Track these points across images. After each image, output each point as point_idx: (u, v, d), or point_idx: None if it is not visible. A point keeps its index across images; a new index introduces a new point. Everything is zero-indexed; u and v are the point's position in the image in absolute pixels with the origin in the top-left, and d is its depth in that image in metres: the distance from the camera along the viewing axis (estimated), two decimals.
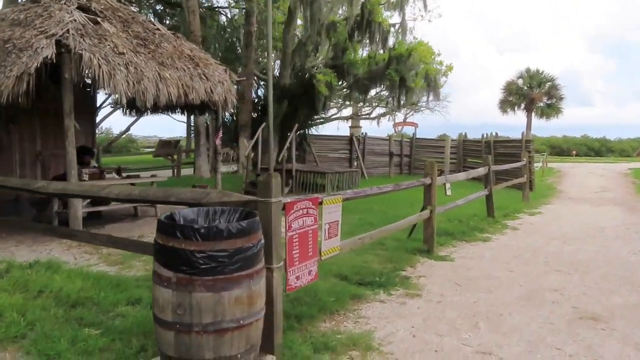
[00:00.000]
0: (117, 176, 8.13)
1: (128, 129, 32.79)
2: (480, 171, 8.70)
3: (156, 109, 10.04)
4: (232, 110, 8.64)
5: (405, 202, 10.23)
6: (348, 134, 19.87)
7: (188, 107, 9.50)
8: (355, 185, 13.62)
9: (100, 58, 6.08)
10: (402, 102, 16.83)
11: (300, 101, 16.00)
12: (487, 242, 7.25)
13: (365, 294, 4.59)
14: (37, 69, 5.78)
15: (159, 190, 3.71)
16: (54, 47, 5.91)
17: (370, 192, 4.51)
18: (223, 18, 23.70)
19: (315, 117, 18.51)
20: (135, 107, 10.33)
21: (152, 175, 8.67)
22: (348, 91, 16.95)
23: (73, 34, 6.12)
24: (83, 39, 6.17)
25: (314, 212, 3.68)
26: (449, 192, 6.72)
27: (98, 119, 29.44)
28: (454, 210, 8.63)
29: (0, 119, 8.39)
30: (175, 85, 7.07)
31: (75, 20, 6.42)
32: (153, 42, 7.44)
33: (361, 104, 35.84)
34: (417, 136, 23.54)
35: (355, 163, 19.66)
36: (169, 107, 9.51)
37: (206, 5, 22.14)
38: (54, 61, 5.89)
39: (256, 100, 19.12)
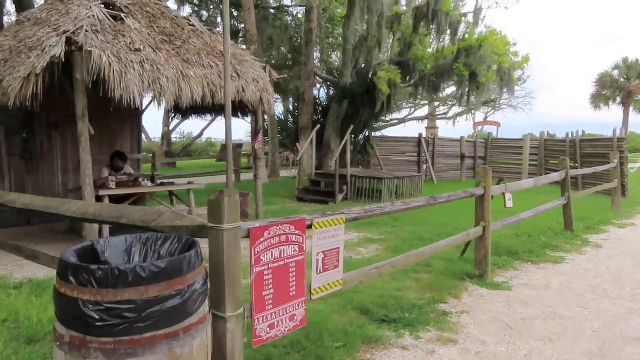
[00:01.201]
0: (150, 183, 7.74)
1: (201, 133, 33.73)
2: (554, 177, 7.29)
3: (199, 110, 9.66)
4: (267, 111, 7.92)
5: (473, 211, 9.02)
6: (417, 135, 18.51)
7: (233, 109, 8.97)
8: (418, 192, 12.47)
9: (111, 55, 5.62)
10: (472, 99, 15.30)
11: (362, 101, 15.10)
12: (558, 265, 5.94)
13: (384, 337, 3.64)
14: (44, 69, 5.41)
15: (114, 209, 3.04)
16: (64, 45, 5.51)
17: (389, 210, 3.55)
18: (290, 18, 23.35)
19: (382, 118, 17.45)
20: (181, 109, 10.08)
21: (189, 182, 8.20)
22: (414, 89, 15.72)
23: (86, 31, 5.70)
24: (96, 36, 5.75)
25: (300, 239, 2.82)
26: (509, 204, 5.52)
27: (173, 124, 30.57)
28: (525, 222, 7.36)
29: (41, 124, 8.33)
30: (200, 84, 6.49)
31: (93, 16, 6.02)
32: (180, 38, 6.93)
33: (437, 103, 34.27)
34: (500, 136, 21.68)
35: (425, 166, 18.40)
36: (207, 109, 9.06)
37: (273, 5, 21.83)
38: (63, 60, 5.49)
39: (326, 102, 18.44)
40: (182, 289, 2.09)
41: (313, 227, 2.93)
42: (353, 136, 15.91)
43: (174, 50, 6.63)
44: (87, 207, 3.20)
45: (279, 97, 26.13)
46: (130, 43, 5.99)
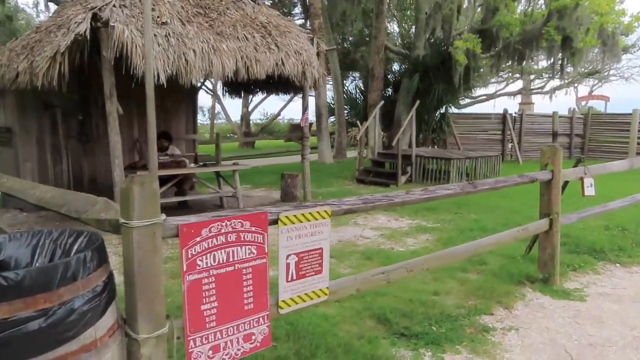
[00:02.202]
0: (192, 164, 7.49)
1: (279, 113, 33.87)
2: None
3: (264, 88, 9.27)
4: (311, 85, 7.26)
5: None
6: (502, 111, 16.84)
7: (278, 85, 8.48)
8: (494, 173, 11.22)
9: (134, 30, 5.29)
10: (569, 70, 13.44)
11: (435, 75, 13.89)
12: None
13: (396, 358, 2.93)
14: (69, 47, 5.21)
15: (60, 196, 2.62)
16: (89, 21, 5.27)
17: (401, 200, 2.78)
18: None
19: (460, 92, 16.01)
20: (239, 88, 9.76)
21: (234, 163, 7.85)
22: (496, 60, 14.13)
23: (113, 6, 5.42)
24: (122, 10, 5.45)
25: (259, 237, 2.21)
26: (589, 191, 4.43)
27: (252, 105, 30.90)
28: (620, 213, 6.16)
29: (97, 106, 8.38)
30: (233, 58, 6.01)
31: None
32: (216, 10, 6.48)
33: (532, 76, 31.39)
34: (608, 112, 19.29)
35: (510, 145, 16.78)
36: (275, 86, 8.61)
37: None
38: (88, 37, 5.25)
39: (398, 77, 17.37)
40: (48, 309, 1.57)
41: (280, 222, 2.29)
42: (427, 113, 14.82)
43: (207, 22, 6.20)
44: (45, 192, 2.83)
45: (357, 74, 25.29)
46: (157, 16, 5.63)
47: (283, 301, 2.35)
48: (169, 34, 5.56)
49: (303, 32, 7.43)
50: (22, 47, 6.12)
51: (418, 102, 11.62)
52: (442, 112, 15.47)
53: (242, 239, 2.16)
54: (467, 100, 30.75)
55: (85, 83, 7.75)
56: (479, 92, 32.22)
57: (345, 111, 17.27)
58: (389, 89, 16.69)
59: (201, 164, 7.61)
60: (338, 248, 5.45)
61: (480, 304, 3.73)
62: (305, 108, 7.73)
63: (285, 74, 6.61)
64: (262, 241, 2.22)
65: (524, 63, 14.50)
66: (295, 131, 18.65)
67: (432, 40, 14.99)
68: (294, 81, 6.95)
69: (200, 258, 2.02)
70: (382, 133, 15.25)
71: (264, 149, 24.28)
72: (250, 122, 33.07)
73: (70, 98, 7.82)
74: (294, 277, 2.38)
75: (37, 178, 7.74)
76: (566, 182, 4.64)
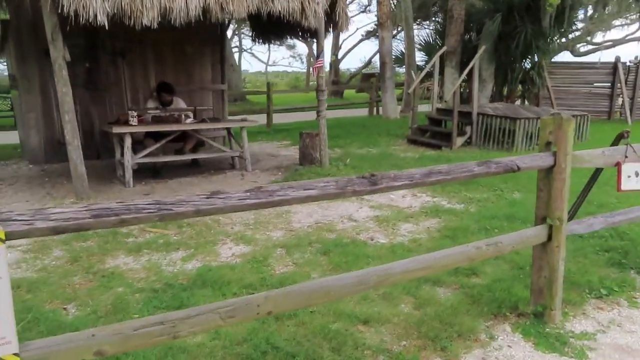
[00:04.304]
0: (190, 119, 6.68)
1: (369, 61, 32.07)
2: None
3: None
4: (312, 25, 5.90)
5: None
6: (613, 60, 13.86)
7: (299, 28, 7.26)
8: (580, 138, 9.08)
9: None
10: None
11: (522, 15, 11.54)
12: None
13: None
14: None
15: None
16: None
17: (161, 212, 1.62)
18: None
19: (558, 37, 13.33)
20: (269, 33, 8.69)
21: (242, 119, 6.94)
22: None
23: None
24: None
25: None
26: (628, 184, 2.83)
27: (342, 53, 29.44)
28: None
29: (106, 52, 7.88)
30: None
31: None
32: None
33: None
34: None
35: (620, 100, 13.91)
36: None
37: None
38: None
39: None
40: None
41: None
42: (512, 62, 12.57)
43: None
44: None
45: None
46: None
47: None
48: None
49: None
50: None
51: (484, 47, 9.70)
52: (532, 61, 13.04)
53: None
54: (588, 47, 26.49)
55: (91, 26, 7.22)
56: (603, 37, 27.60)
57: (423, 59, 15.40)
58: (472, 33, 14.46)
59: (201, 120, 6.81)
60: (304, 234, 4.36)
61: (412, 350, 2.50)
62: (318, 54, 6.48)
63: (275, 11, 5.40)
64: None
65: None
66: (366, 81, 17.15)
67: None
68: (290, 21, 5.71)
69: None
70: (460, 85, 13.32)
71: (352, 99, 23.03)
72: (340, 70, 31.74)
73: (74, 43, 7.28)
74: None
75: (42, 129, 7.51)
76: (598, 171, 3.11)
